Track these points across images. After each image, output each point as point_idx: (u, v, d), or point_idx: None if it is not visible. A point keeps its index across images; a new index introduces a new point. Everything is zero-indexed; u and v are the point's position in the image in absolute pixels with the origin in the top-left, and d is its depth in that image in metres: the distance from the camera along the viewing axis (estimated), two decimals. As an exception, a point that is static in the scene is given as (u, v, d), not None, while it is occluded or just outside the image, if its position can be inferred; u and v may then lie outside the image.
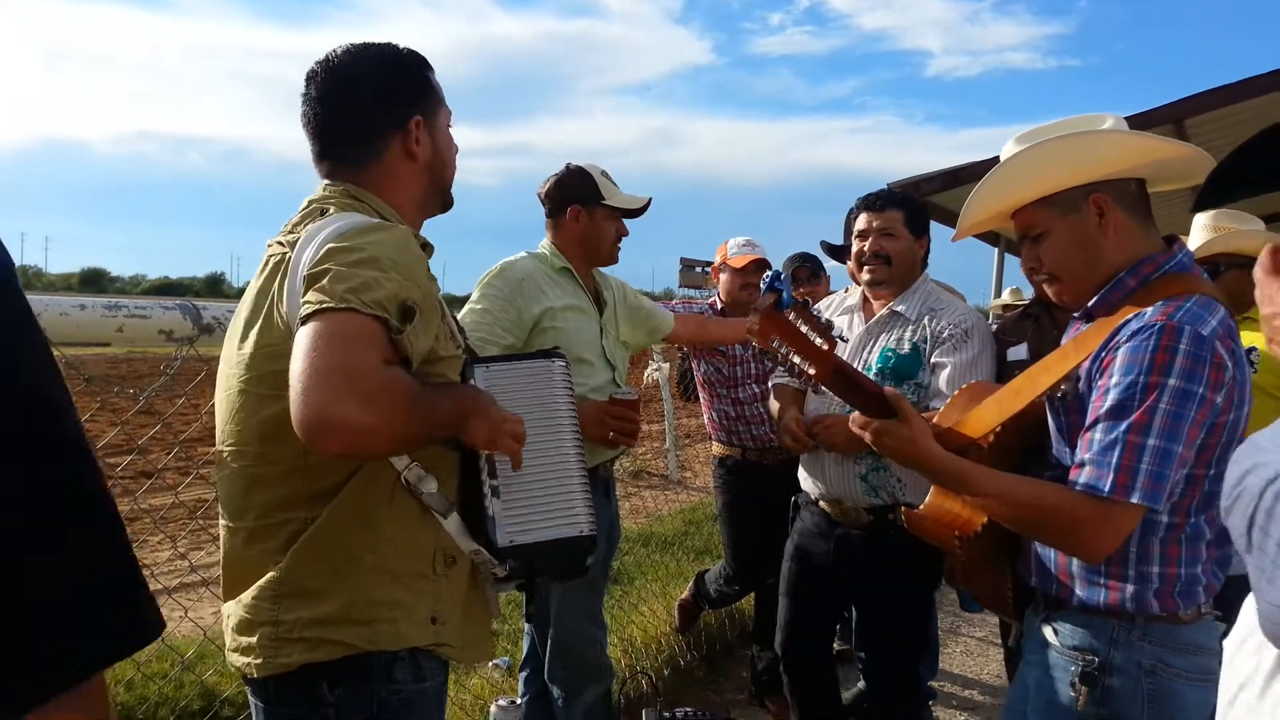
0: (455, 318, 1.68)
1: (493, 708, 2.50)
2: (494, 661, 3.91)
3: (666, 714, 3.07)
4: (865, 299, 3.75)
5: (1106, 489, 1.46)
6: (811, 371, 1.68)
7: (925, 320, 2.68)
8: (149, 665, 3.37)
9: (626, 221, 2.81)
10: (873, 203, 2.74)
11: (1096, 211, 1.61)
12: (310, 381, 1.17)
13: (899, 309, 2.70)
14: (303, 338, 1.22)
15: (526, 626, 2.99)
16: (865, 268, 2.76)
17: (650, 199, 2.82)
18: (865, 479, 2.64)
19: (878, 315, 2.74)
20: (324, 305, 1.24)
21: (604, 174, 2.76)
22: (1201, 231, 2.98)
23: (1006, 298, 8.43)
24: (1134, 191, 1.64)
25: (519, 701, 2.52)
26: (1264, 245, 3.05)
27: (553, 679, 2.78)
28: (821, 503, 2.76)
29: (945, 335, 2.63)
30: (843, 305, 2.90)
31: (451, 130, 1.68)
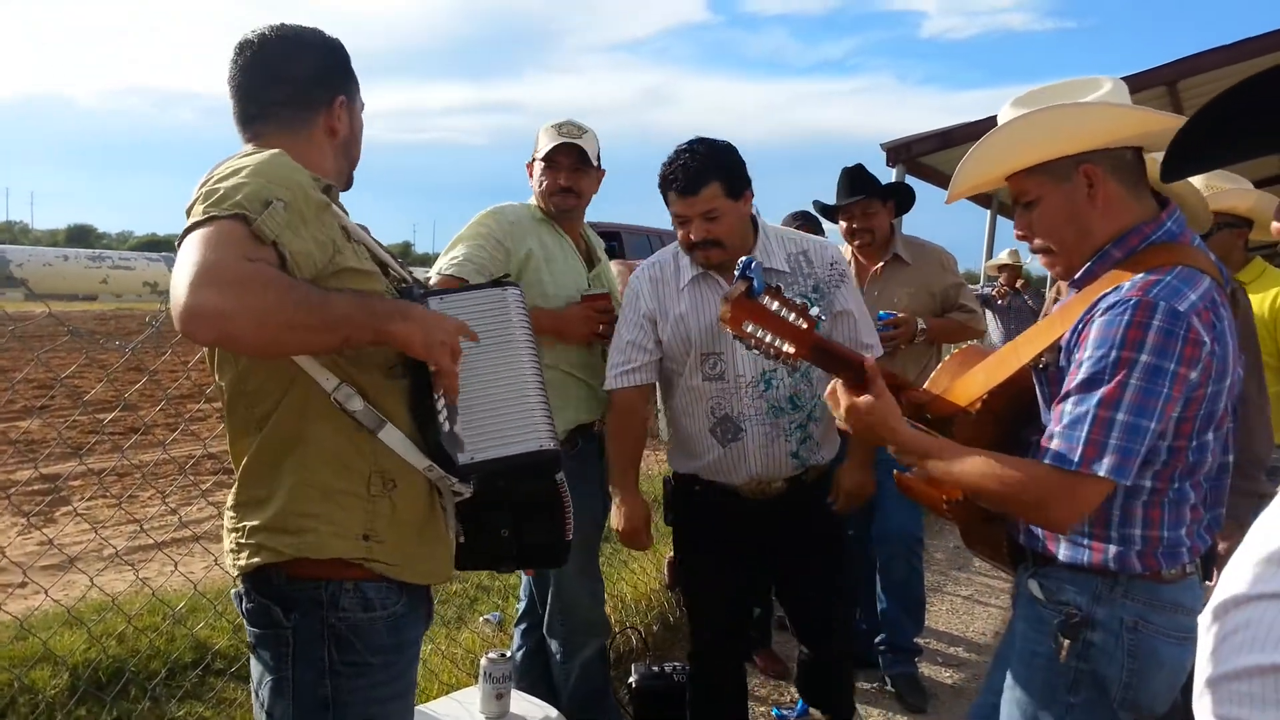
0: (391, 253, 1.76)
1: (483, 660, 2.53)
2: (485, 617, 3.95)
3: (655, 668, 3.11)
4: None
5: (1074, 462, 1.46)
6: (790, 350, 1.71)
7: (801, 264, 2.53)
8: (140, 619, 3.39)
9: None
10: (682, 185, 2.38)
11: (1086, 182, 1.59)
12: (174, 283, 1.29)
13: (772, 265, 2.50)
14: (179, 251, 1.34)
15: (523, 581, 3.02)
16: (696, 253, 2.48)
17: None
18: (796, 455, 2.55)
19: None
20: (189, 225, 1.36)
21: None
22: None
23: (1004, 258, 8.41)
24: (1129, 160, 1.62)
25: (508, 654, 2.55)
26: (1255, 204, 3.04)
27: (552, 634, 2.83)
28: (723, 484, 2.59)
29: (831, 276, 2.53)
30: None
31: (364, 119, 1.79)
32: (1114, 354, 1.46)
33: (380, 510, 1.57)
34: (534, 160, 2.74)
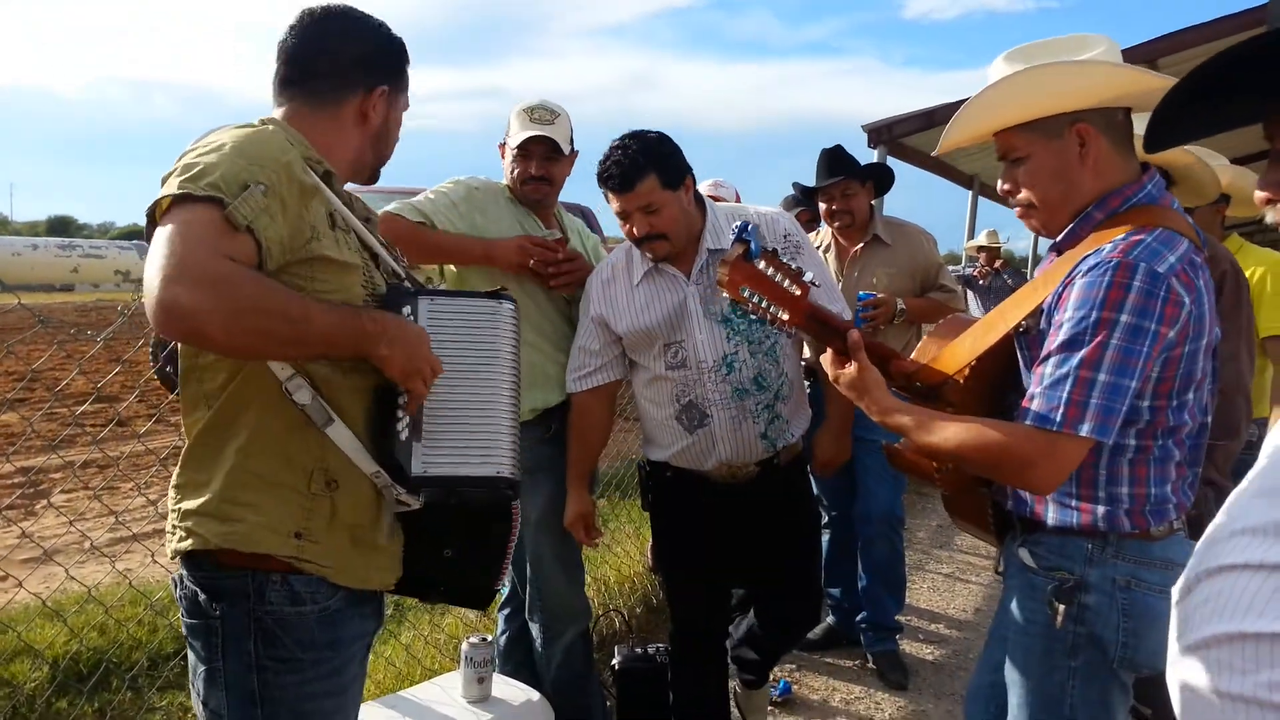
0: (386, 245, 1.70)
1: (464, 644, 2.52)
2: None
3: (638, 650, 3.12)
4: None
5: (1057, 423, 1.47)
6: (785, 316, 1.71)
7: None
8: (121, 610, 3.38)
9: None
10: (618, 181, 2.35)
11: (1078, 141, 1.59)
12: (147, 275, 1.28)
13: (722, 246, 2.44)
14: (153, 238, 1.31)
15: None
16: (643, 247, 2.45)
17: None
18: (765, 436, 2.53)
19: (698, 264, 2.47)
20: (160, 196, 1.33)
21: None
22: None
23: (982, 239, 8.44)
24: (1120, 120, 1.61)
25: (490, 639, 2.55)
26: (1232, 180, 3.04)
27: (533, 619, 2.83)
28: (692, 469, 2.57)
29: (785, 249, 2.46)
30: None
31: (403, 120, 1.75)
32: (1094, 315, 1.46)
33: (318, 509, 1.50)
34: (505, 144, 2.72)
